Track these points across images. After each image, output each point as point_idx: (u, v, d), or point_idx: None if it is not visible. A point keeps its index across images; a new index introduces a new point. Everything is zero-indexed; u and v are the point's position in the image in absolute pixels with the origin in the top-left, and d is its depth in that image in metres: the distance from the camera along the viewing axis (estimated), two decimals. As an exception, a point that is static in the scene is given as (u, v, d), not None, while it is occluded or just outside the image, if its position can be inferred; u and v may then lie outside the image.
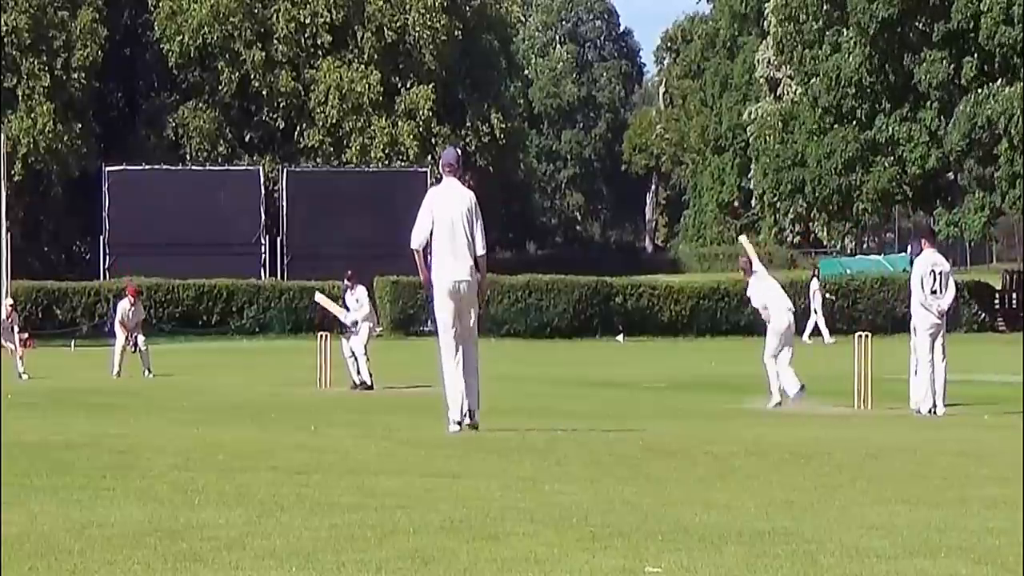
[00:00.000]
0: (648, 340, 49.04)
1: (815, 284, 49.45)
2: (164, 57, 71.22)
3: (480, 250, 15.05)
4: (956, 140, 54.22)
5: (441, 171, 15.57)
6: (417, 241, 15.01)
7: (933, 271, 20.09)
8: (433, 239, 14.90)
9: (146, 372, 30.68)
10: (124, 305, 31.87)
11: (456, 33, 72.40)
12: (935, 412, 19.97)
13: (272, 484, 11.16)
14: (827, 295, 49.99)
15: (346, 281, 27.51)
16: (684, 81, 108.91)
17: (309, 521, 9.18)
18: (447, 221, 14.82)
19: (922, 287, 20.02)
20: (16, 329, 31.64)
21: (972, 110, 53.58)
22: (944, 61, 54.46)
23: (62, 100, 66.69)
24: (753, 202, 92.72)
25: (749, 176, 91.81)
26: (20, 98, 66.04)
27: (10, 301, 34.10)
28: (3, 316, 31.21)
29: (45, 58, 66.61)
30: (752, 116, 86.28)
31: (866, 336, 21.83)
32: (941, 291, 20.06)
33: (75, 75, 67.02)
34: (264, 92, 70.95)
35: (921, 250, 20.40)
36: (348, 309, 27.06)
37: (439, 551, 8.09)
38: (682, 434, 16.24)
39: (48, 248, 73.34)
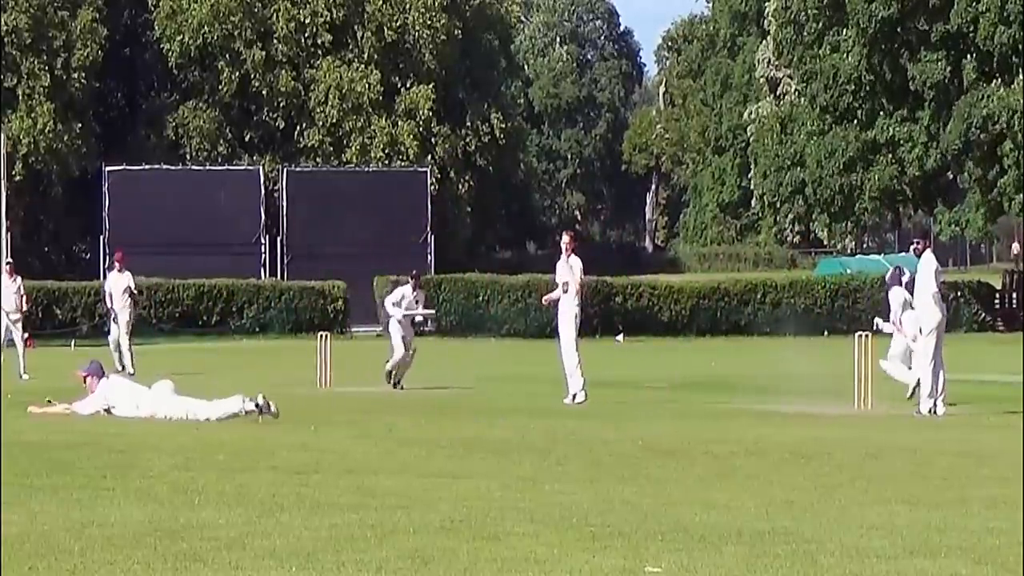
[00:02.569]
0: (648, 340, 49.02)
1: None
2: (164, 57, 71.19)
3: None
4: (953, 139, 54.25)
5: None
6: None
7: (936, 269, 20.33)
8: None
9: (121, 368, 29.88)
10: (111, 275, 31.12)
11: (456, 33, 72.39)
12: (935, 412, 20.02)
13: (272, 484, 11.16)
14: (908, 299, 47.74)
15: (411, 281, 27.52)
16: (684, 81, 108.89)
17: (309, 521, 9.18)
18: None
19: (937, 287, 20.28)
20: (22, 293, 30.87)
21: (968, 110, 53.61)
22: (941, 62, 54.49)
23: (62, 100, 66.65)
24: (753, 202, 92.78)
25: (749, 176, 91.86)
26: (20, 98, 65.99)
27: (8, 260, 33.17)
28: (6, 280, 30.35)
29: (45, 58, 66.57)
30: (752, 116, 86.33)
31: (866, 336, 21.81)
32: (940, 291, 20.38)
33: (75, 75, 66.99)
34: (264, 92, 70.92)
35: (924, 250, 20.61)
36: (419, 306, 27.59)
37: (439, 551, 8.09)
38: (682, 434, 16.24)
39: (48, 248, 73.29)
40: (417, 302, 27.18)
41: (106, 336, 32.10)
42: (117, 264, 31.41)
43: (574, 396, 21.94)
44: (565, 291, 22.37)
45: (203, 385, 26.59)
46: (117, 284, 30.87)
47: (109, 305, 31.06)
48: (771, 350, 42.85)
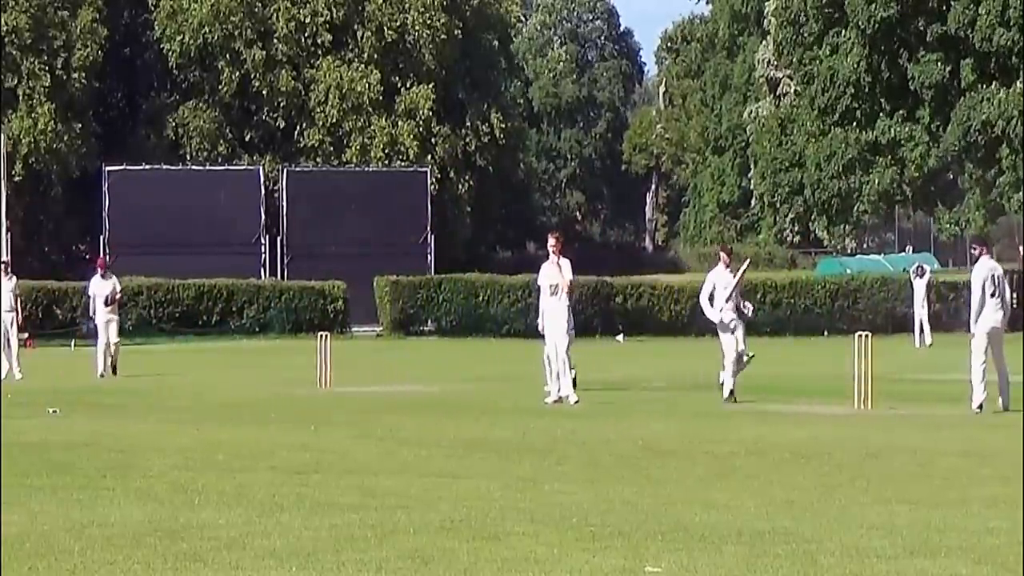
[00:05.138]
0: (648, 340, 49.01)
1: (919, 283, 46.92)
2: (164, 57, 71.16)
3: None
4: (952, 142, 54.33)
5: None
6: None
7: (993, 275, 20.50)
8: None
9: (109, 371, 29.55)
10: (94, 280, 30.92)
11: (456, 32, 72.36)
12: (982, 408, 20.21)
13: (272, 484, 11.16)
14: (926, 298, 45.86)
15: (722, 258, 22.91)
16: (684, 81, 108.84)
17: (309, 521, 9.19)
18: None
19: (983, 291, 20.44)
20: (17, 293, 30.60)
21: (967, 113, 53.66)
22: (940, 63, 54.52)
23: (62, 100, 66.62)
24: (752, 202, 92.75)
25: (749, 176, 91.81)
26: (20, 98, 65.97)
27: (4, 259, 32.98)
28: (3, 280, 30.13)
29: (45, 58, 66.54)
30: (752, 116, 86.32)
31: (866, 336, 21.79)
32: (998, 295, 20.47)
33: (75, 75, 66.96)
34: (264, 92, 70.89)
35: (980, 255, 20.84)
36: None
37: (439, 551, 8.10)
38: (682, 434, 16.24)
39: (48, 248, 73.27)
40: (735, 277, 22.64)
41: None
42: (100, 270, 31.23)
43: (565, 398, 21.91)
44: (553, 293, 22.28)
45: (204, 385, 26.63)
46: (101, 289, 30.67)
47: (93, 309, 30.93)
48: (771, 350, 42.85)
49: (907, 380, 26.99)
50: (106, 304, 30.44)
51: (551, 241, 22.45)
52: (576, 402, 21.67)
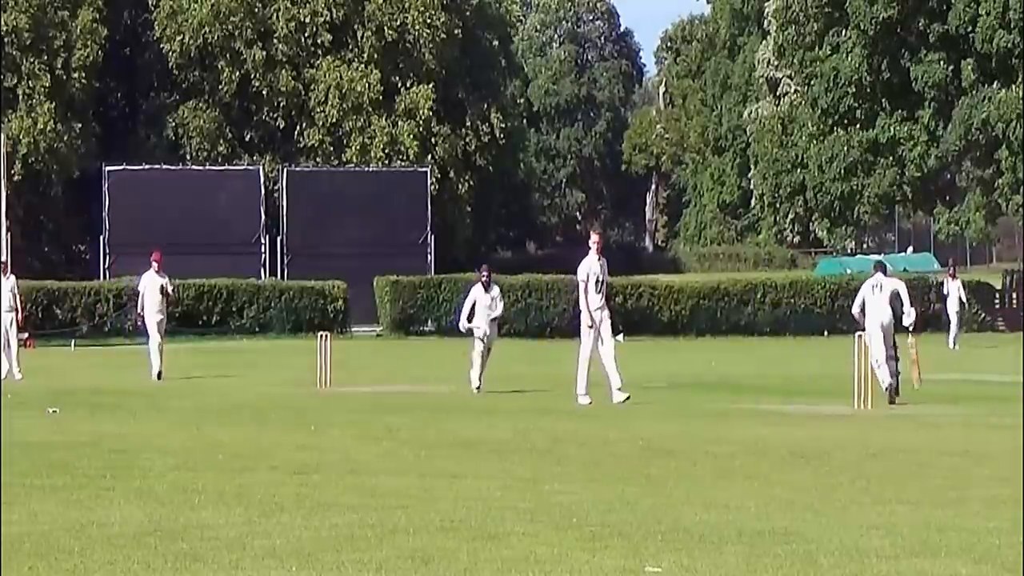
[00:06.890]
0: (648, 340, 49.01)
1: (953, 284, 46.83)
2: (164, 57, 71.14)
3: None
4: (952, 142, 54.26)
5: None
6: None
7: None
8: None
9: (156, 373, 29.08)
10: (148, 275, 29.84)
11: (456, 32, 72.37)
12: None
13: (272, 484, 11.17)
14: (963, 298, 46.43)
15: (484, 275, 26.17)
16: (684, 81, 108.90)
17: (309, 521, 9.19)
18: None
19: None
20: (18, 296, 30.28)
21: (968, 112, 53.60)
22: (941, 63, 54.47)
23: (62, 100, 66.61)
24: (752, 201, 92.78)
25: (749, 176, 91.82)
26: (20, 98, 65.97)
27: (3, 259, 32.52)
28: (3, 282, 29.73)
29: (45, 58, 66.53)
30: (752, 116, 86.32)
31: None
32: None
33: (75, 75, 66.95)
34: (264, 92, 70.88)
35: None
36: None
37: (439, 551, 8.10)
38: (682, 434, 16.24)
39: (48, 248, 73.25)
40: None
41: (106, 336, 31.67)
42: (155, 264, 30.22)
43: (586, 396, 21.81)
44: (599, 291, 22.15)
45: (204, 385, 26.62)
46: (154, 285, 29.98)
47: (142, 306, 30.13)
48: (771, 350, 42.88)
49: (908, 380, 26.98)
50: (161, 300, 29.71)
51: (594, 237, 22.59)
52: (589, 403, 21.61)
